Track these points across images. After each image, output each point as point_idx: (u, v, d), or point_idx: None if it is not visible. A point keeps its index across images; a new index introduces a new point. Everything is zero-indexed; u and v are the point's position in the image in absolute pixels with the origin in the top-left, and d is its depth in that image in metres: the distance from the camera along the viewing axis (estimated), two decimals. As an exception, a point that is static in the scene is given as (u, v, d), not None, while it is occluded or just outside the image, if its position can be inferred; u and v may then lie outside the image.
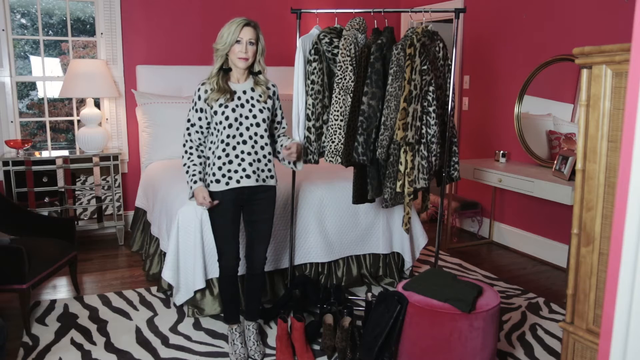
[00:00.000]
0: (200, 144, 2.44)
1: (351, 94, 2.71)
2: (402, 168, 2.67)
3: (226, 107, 2.35)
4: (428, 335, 2.20)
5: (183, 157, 2.45)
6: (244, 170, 2.39)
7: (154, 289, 3.35)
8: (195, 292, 2.90)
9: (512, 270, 3.88)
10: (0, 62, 4.14)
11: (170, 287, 3.16)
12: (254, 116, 2.40)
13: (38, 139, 4.88)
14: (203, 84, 2.40)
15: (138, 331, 2.83)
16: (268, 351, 2.64)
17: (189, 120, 2.43)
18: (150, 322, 2.93)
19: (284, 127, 2.60)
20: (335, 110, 2.75)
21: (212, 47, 2.40)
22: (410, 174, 2.68)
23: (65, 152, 4.23)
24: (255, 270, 2.60)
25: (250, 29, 2.33)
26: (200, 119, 2.41)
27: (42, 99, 4.51)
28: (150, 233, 3.59)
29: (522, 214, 4.29)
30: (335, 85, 2.75)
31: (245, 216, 2.54)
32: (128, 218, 4.58)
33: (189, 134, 2.43)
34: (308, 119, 2.85)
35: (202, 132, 2.43)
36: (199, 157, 2.44)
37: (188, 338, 2.77)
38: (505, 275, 3.74)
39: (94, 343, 2.70)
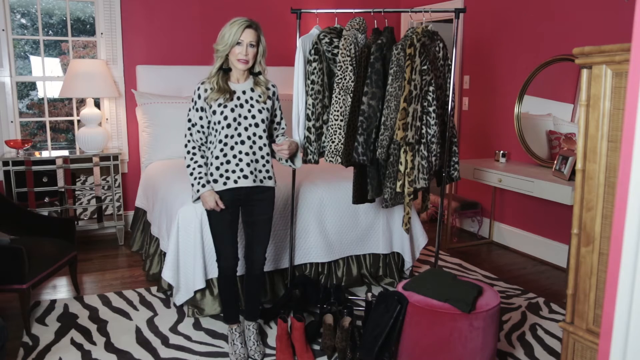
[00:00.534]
0: (202, 144, 2.42)
1: (351, 94, 2.70)
2: (402, 168, 2.67)
3: (225, 107, 2.34)
4: (428, 335, 2.20)
5: (185, 158, 2.42)
6: (241, 170, 2.38)
7: (154, 289, 3.35)
8: (195, 292, 2.90)
9: (512, 270, 3.88)
10: (0, 62, 4.14)
11: (170, 287, 3.16)
12: (253, 116, 2.38)
13: (38, 139, 4.88)
14: (202, 83, 2.39)
15: (138, 331, 2.83)
16: (268, 351, 2.64)
17: (189, 120, 2.41)
18: (150, 322, 2.93)
19: (283, 128, 2.59)
20: (335, 110, 2.74)
21: (212, 47, 2.39)
22: (410, 174, 2.68)
23: (65, 152, 4.23)
24: (254, 270, 2.59)
25: (252, 31, 2.31)
26: (201, 118, 2.39)
27: (42, 99, 4.51)
28: (150, 233, 3.59)
29: (522, 214, 4.29)
30: (335, 85, 2.75)
31: (244, 217, 2.53)
32: (128, 218, 4.58)
33: (191, 134, 2.41)
34: (308, 119, 2.85)
35: (203, 132, 2.41)
36: (202, 157, 2.41)
37: (188, 338, 2.77)
38: (505, 275, 3.74)
39: (94, 343, 2.70)
